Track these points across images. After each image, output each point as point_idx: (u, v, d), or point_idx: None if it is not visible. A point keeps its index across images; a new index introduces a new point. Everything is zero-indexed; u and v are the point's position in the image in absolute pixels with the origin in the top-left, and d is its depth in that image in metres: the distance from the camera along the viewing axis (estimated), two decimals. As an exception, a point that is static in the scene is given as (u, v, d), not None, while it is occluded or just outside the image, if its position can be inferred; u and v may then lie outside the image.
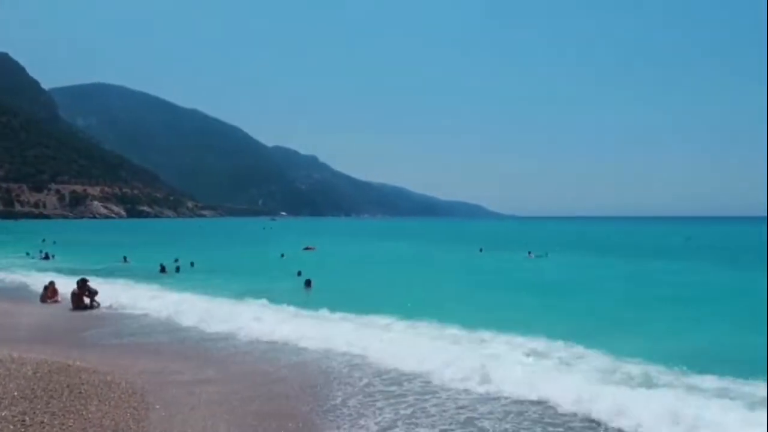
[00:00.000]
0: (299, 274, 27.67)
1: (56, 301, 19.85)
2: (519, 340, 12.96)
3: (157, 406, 8.57)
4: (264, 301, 19.57)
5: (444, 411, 8.75)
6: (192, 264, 35.06)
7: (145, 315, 17.57)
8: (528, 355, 11.89)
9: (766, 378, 9.13)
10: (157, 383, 9.85)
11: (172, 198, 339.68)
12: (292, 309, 17.79)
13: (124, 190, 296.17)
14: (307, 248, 54.19)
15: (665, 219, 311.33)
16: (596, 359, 11.40)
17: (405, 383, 10.18)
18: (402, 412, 8.68)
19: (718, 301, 21.96)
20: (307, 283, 24.81)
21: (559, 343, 12.53)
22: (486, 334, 13.55)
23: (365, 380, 10.40)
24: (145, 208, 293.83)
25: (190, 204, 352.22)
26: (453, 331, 14.19)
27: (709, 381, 9.69)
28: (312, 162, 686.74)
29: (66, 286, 20.27)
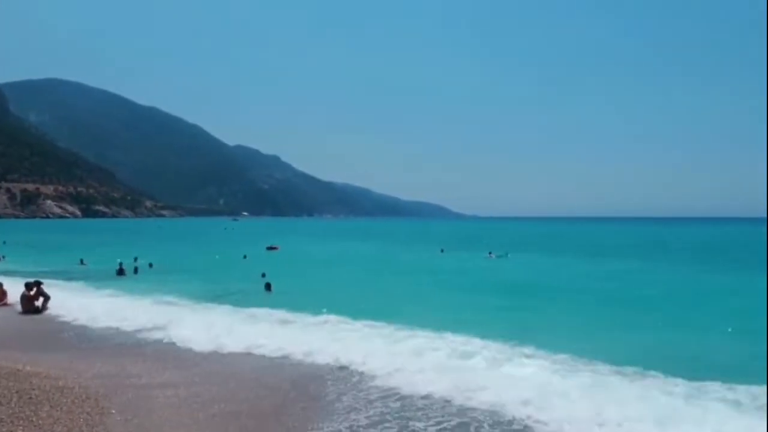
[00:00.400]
0: (263, 275, 27.29)
1: (5, 304, 19.12)
2: (476, 340, 13.06)
3: (113, 411, 8.36)
4: (224, 303, 19.32)
5: (431, 405, 8.82)
6: (150, 265, 34.34)
7: (101, 318, 17.04)
8: (483, 350, 12.11)
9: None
10: (113, 387, 9.60)
11: (129, 198, 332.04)
12: (253, 311, 17.58)
13: (80, 189, 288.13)
14: (270, 248, 53.77)
15: (643, 220, 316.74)
16: (546, 358, 11.60)
17: (361, 383, 10.20)
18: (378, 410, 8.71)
19: (670, 301, 22.66)
20: (267, 286, 23.98)
21: (509, 343, 12.75)
22: (447, 335, 13.60)
23: (324, 381, 10.38)
24: (102, 208, 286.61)
25: (148, 204, 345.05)
26: (413, 331, 14.22)
27: (652, 380, 10.01)
28: (274, 161, 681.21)
29: (17, 288, 19.54)
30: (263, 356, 12.34)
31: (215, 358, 12.33)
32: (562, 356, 11.65)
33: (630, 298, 22.91)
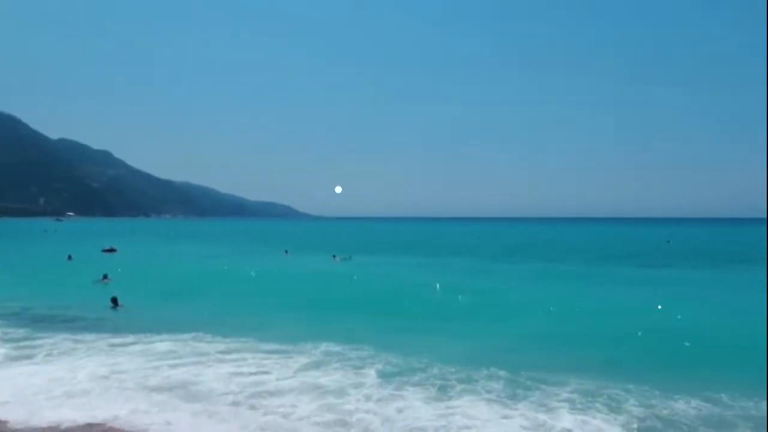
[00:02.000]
0: (105, 277, 25.60)
1: None
2: (331, 351, 13.76)
3: None
4: (46, 322, 17.95)
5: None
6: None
7: None
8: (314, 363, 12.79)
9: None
10: None
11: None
12: (82, 336, 16.70)
13: None
14: (107, 250, 50.27)
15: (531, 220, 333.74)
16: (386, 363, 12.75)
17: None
18: None
19: (493, 298, 24.93)
20: (114, 301, 20.59)
21: (355, 347, 13.87)
22: (307, 346, 14.05)
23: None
24: None
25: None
26: (266, 346, 14.30)
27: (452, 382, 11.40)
28: (105, 157, 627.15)
29: None
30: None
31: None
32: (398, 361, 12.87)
33: (453, 300, 24.18)
